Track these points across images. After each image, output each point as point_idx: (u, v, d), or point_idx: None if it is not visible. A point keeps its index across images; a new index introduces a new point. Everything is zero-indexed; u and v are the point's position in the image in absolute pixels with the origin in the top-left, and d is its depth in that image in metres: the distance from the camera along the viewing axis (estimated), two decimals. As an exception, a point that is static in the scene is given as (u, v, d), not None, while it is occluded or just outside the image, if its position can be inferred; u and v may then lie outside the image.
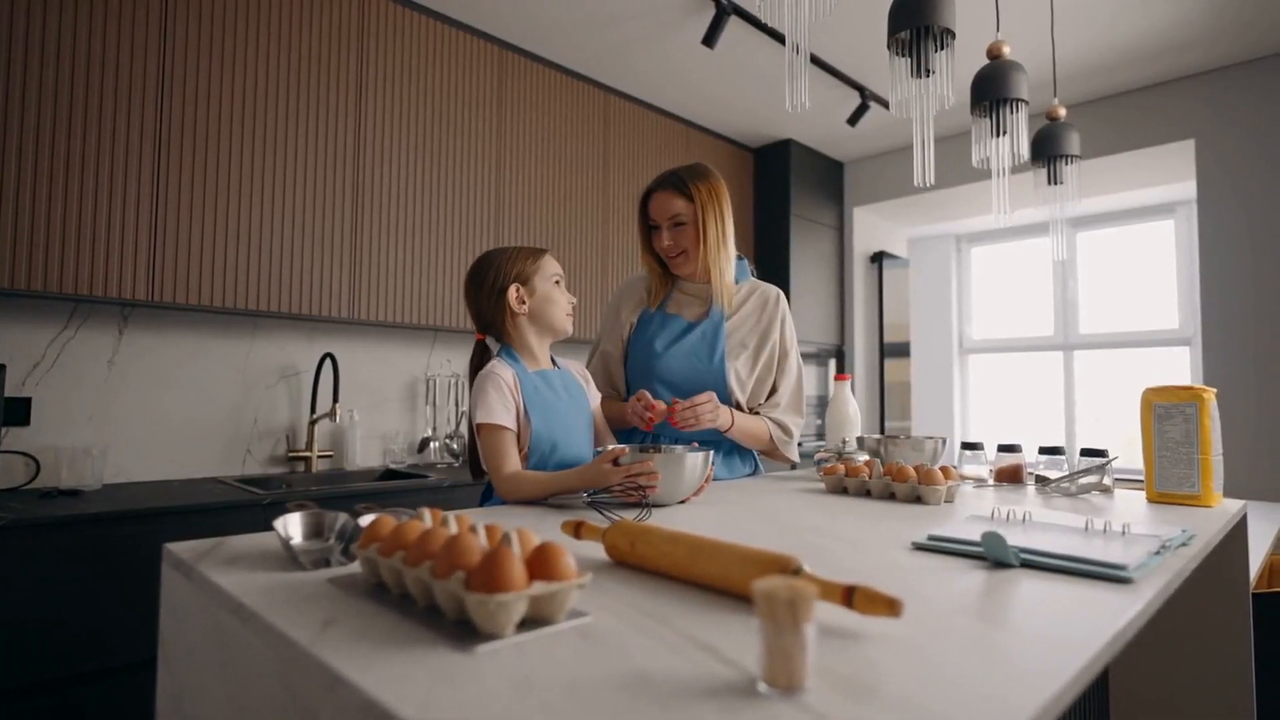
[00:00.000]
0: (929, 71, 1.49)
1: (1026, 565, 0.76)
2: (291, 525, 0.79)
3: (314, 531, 0.81)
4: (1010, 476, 1.48)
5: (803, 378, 1.65)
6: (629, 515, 1.00)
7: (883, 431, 4.15)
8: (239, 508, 1.85)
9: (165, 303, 2.02)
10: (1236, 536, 1.24)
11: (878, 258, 4.25)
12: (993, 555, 0.76)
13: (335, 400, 2.40)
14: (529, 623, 0.55)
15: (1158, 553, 0.81)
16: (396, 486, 2.20)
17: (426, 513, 0.69)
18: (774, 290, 1.63)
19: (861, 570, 0.75)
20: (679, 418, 1.33)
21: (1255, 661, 1.48)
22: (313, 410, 2.47)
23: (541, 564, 0.55)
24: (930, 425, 5.10)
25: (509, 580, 0.52)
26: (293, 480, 2.37)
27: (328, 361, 2.48)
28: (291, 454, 2.45)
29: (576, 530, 0.81)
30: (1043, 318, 4.94)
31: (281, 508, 0.84)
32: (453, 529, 0.65)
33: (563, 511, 1.09)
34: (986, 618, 0.59)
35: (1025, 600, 0.65)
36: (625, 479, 1.06)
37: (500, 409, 1.19)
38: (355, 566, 0.74)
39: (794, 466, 1.66)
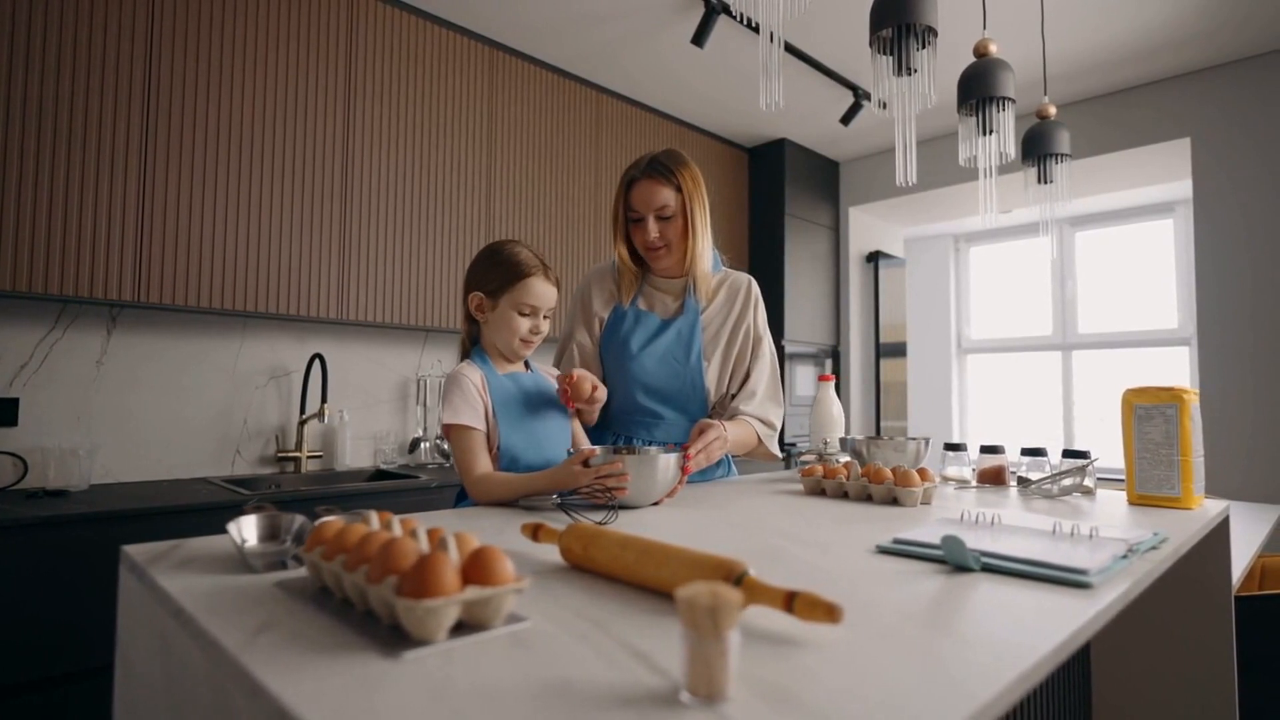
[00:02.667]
0: (911, 70, 1.48)
1: (987, 569, 0.75)
2: (246, 527, 0.79)
3: (270, 534, 0.80)
4: (993, 478, 1.47)
5: (777, 365, 1.59)
6: (597, 517, 1.00)
7: (878, 432, 4.14)
8: (225, 508, 1.85)
9: (152, 303, 2.02)
10: (1216, 539, 1.23)
11: (874, 257, 4.23)
12: (952, 559, 0.75)
13: (324, 400, 2.40)
14: (465, 628, 0.55)
15: (1124, 556, 0.80)
16: (386, 487, 2.20)
17: (374, 516, 0.68)
18: (745, 277, 1.60)
19: (820, 574, 0.74)
20: (694, 465, 1.25)
21: (1239, 664, 1.47)
22: (302, 411, 2.47)
23: (477, 568, 0.55)
24: (928, 425, 5.08)
25: (439, 585, 0.51)
26: (282, 481, 2.37)
27: (318, 362, 2.48)
28: (281, 454, 2.45)
29: (535, 533, 0.80)
30: (1041, 317, 4.92)
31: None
32: (396, 532, 0.64)
33: (531, 514, 1.08)
34: (934, 623, 0.58)
35: (979, 605, 0.64)
36: (593, 481, 1.05)
37: (466, 410, 1.19)
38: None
39: (786, 463, 1.60)
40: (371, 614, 0.58)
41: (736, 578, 0.59)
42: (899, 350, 4.43)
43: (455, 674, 0.46)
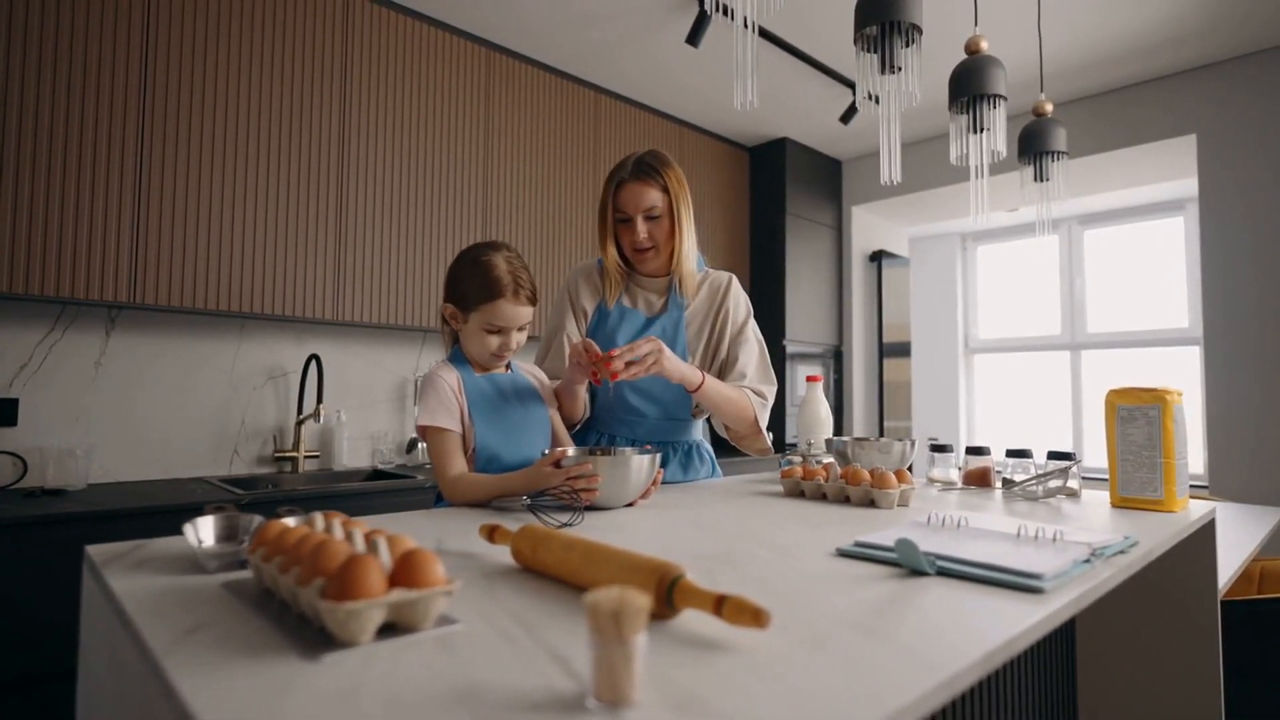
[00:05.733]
0: (896, 68, 1.47)
1: (942, 573, 0.74)
2: (203, 528, 0.79)
3: (227, 535, 0.81)
4: (978, 479, 1.45)
5: (765, 349, 1.58)
6: (565, 518, 1.00)
7: (881, 433, 4.11)
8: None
9: (148, 304, 2.04)
10: (1201, 542, 1.21)
11: (877, 257, 4.20)
12: (907, 563, 0.74)
13: (319, 401, 2.41)
14: (395, 630, 0.55)
15: (1087, 560, 0.78)
16: (383, 487, 2.21)
17: (319, 517, 0.68)
18: (726, 275, 1.60)
19: (774, 577, 0.74)
20: (615, 368, 1.22)
21: (1231, 669, 1.44)
22: (299, 411, 2.49)
23: (406, 571, 0.55)
24: (935, 426, 5.05)
25: (361, 588, 0.51)
26: (279, 480, 2.39)
27: (314, 363, 2.50)
28: (279, 454, 2.47)
29: (491, 534, 0.80)
30: (1050, 317, 4.87)
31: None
32: (337, 534, 0.64)
33: (502, 514, 1.08)
34: (869, 629, 0.58)
35: (923, 610, 0.63)
36: (564, 483, 1.05)
37: (441, 412, 1.19)
38: (258, 571, 0.74)
39: (785, 456, 1.55)
40: (306, 616, 0.58)
41: (671, 581, 0.58)
42: (903, 350, 4.40)
43: (369, 677, 0.46)
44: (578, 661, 0.50)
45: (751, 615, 0.52)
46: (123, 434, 2.19)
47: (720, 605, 0.54)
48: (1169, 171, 3.52)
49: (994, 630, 0.58)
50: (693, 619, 0.59)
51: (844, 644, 0.54)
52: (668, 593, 0.58)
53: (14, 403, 2.02)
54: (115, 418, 2.18)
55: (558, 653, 0.51)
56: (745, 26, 1.15)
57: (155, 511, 1.77)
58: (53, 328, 2.09)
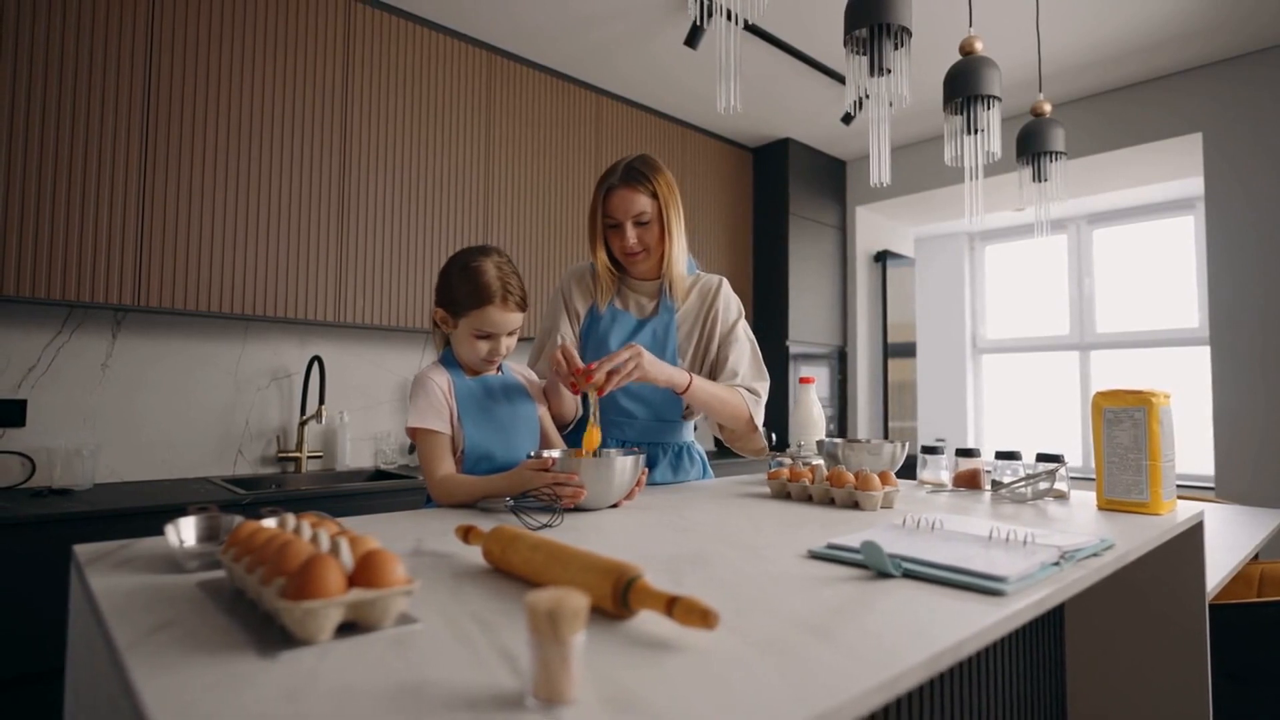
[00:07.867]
0: (886, 70, 1.47)
1: (908, 575, 0.75)
2: (185, 528, 0.81)
3: (209, 535, 0.83)
4: (968, 481, 1.45)
5: (757, 347, 1.59)
6: (545, 519, 1.01)
7: (886, 434, 4.10)
8: (222, 508, 1.89)
9: (153, 307, 2.08)
10: (1187, 545, 1.20)
11: (881, 257, 4.19)
12: (872, 564, 0.75)
13: (321, 402, 2.44)
14: (355, 629, 0.56)
15: (1056, 564, 0.79)
16: (385, 487, 2.23)
17: (290, 518, 0.70)
18: (716, 278, 1.61)
19: (738, 579, 0.74)
20: (596, 381, 1.23)
21: (1229, 673, 1.43)
22: (303, 412, 2.52)
23: (366, 571, 0.56)
24: (942, 427, 5.02)
25: (319, 587, 0.53)
26: (282, 481, 2.42)
27: (317, 364, 2.53)
28: (282, 455, 2.50)
29: (465, 535, 0.82)
30: (1059, 317, 4.83)
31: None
32: (305, 535, 0.66)
33: (487, 515, 1.10)
34: (824, 630, 0.58)
35: (880, 612, 0.64)
36: (546, 486, 1.06)
37: (431, 414, 1.20)
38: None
39: (774, 458, 1.55)
40: (271, 615, 0.59)
41: (627, 582, 0.59)
42: (908, 350, 4.38)
43: (320, 675, 0.48)
44: (527, 660, 0.51)
45: (700, 616, 0.53)
46: (128, 434, 2.23)
47: (672, 606, 0.55)
48: (1175, 170, 3.48)
49: (946, 632, 0.58)
50: (649, 620, 0.60)
51: (793, 645, 0.55)
52: (623, 593, 0.59)
53: (22, 404, 2.06)
54: (121, 418, 2.22)
55: (509, 652, 0.53)
56: (728, 19, 1.15)
57: (157, 511, 1.80)
58: (60, 330, 2.13)
